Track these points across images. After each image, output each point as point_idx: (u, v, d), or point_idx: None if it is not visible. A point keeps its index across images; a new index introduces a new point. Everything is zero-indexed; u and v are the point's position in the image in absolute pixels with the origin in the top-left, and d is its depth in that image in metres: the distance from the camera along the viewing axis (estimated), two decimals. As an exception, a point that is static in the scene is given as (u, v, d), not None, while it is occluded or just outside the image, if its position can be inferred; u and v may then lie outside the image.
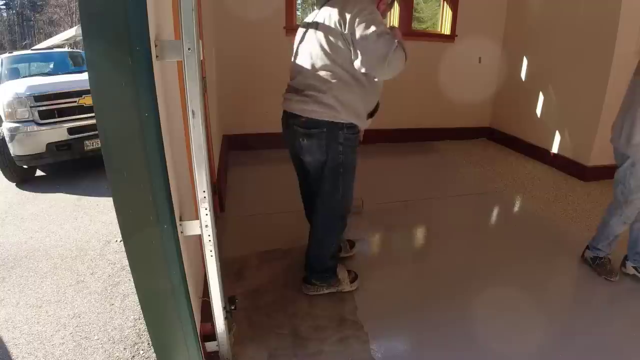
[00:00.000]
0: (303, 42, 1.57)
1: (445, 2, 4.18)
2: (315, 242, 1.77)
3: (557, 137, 3.63)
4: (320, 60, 1.48)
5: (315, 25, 1.51)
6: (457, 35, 4.17)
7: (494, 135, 4.55)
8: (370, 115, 1.61)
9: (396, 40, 1.39)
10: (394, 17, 4.04)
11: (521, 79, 4.10)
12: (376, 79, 1.53)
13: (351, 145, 1.58)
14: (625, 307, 1.80)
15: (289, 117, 1.59)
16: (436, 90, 4.22)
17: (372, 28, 1.37)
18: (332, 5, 1.47)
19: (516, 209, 2.90)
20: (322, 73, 1.47)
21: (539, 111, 3.86)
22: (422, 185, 3.22)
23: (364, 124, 1.59)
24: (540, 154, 3.82)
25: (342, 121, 1.50)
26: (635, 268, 1.99)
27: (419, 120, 4.34)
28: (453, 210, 2.81)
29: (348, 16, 1.40)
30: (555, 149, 3.65)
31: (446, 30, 4.20)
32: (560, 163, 3.57)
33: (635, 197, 1.85)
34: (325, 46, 1.46)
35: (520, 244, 2.32)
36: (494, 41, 4.29)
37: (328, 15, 1.46)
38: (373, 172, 3.27)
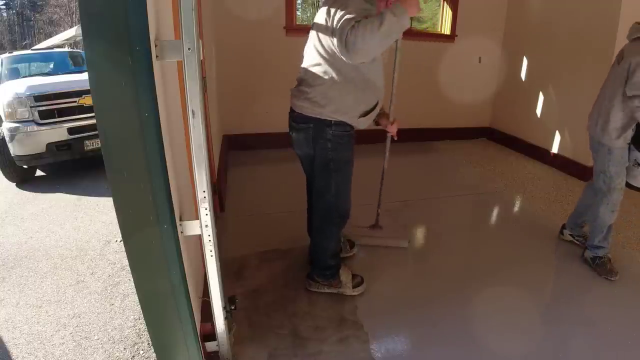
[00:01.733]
0: (308, 43, 1.63)
1: (445, 2, 4.17)
2: (314, 239, 1.80)
3: (557, 137, 3.62)
4: (314, 57, 1.52)
5: (313, 26, 1.56)
6: (457, 35, 4.17)
7: (494, 135, 4.55)
8: (365, 114, 1.60)
9: (353, 20, 1.29)
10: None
11: (521, 79, 4.10)
12: (373, 77, 1.55)
13: (342, 142, 1.57)
14: (625, 307, 1.80)
15: (290, 111, 1.66)
16: (436, 90, 4.21)
17: (339, 13, 1.34)
18: (324, 4, 1.50)
19: (516, 208, 2.90)
20: (314, 69, 1.51)
21: (538, 111, 3.86)
22: (422, 185, 3.22)
23: (357, 123, 1.59)
24: (540, 154, 3.81)
25: (328, 118, 1.52)
26: (572, 236, 2.28)
27: (419, 120, 4.33)
28: (453, 210, 2.81)
29: (332, 10, 1.41)
30: (555, 149, 3.65)
31: (446, 30, 4.20)
32: (560, 163, 3.57)
33: (617, 183, 1.92)
34: (318, 44, 1.50)
35: (520, 244, 2.32)
36: (494, 41, 4.29)
37: (321, 14, 1.50)
38: (373, 172, 3.27)
